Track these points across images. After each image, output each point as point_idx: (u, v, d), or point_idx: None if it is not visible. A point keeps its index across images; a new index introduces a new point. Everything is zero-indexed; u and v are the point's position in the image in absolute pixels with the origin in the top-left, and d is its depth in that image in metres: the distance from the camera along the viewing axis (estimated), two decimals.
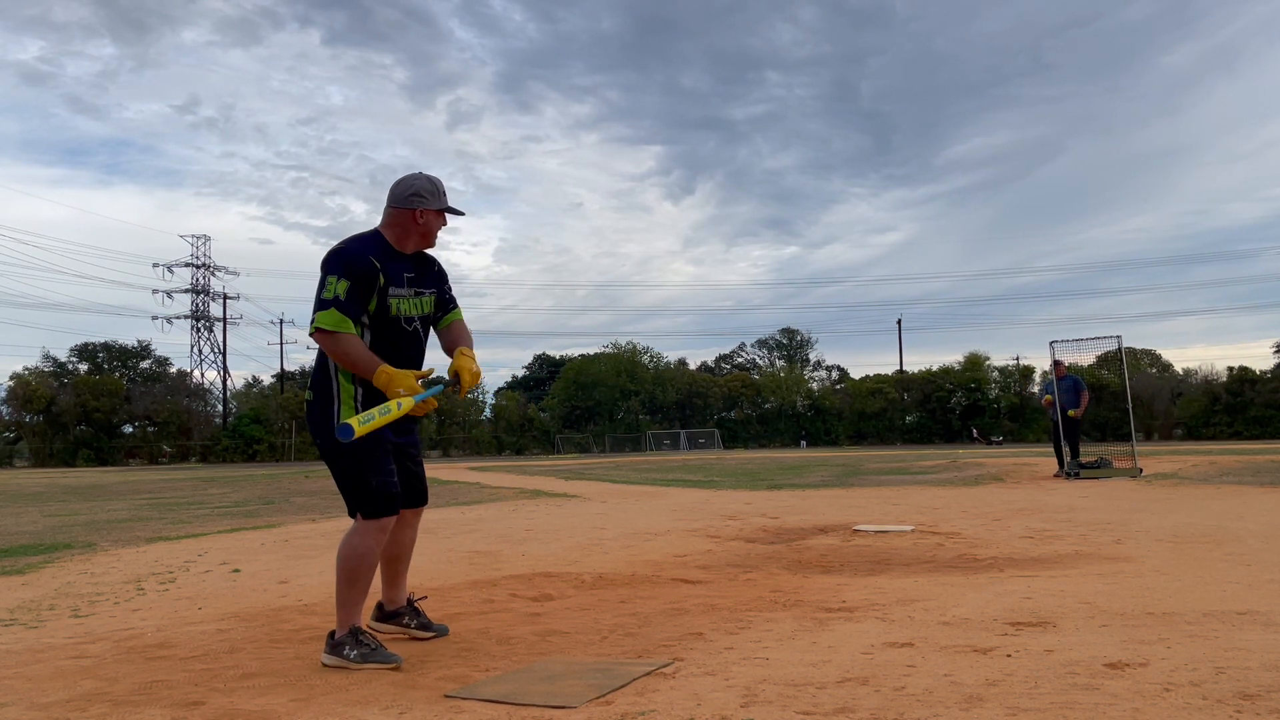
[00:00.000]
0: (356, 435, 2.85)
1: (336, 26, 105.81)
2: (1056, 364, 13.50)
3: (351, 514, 3.18)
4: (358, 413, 3.10)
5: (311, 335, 3.06)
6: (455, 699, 2.60)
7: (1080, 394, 13.25)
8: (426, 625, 3.47)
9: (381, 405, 2.95)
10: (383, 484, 3.12)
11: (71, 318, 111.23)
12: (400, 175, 3.28)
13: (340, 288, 3.04)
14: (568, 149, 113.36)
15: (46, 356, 56.26)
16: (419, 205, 3.18)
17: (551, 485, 14.43)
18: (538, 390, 69.52)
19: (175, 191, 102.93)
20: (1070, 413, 13.15)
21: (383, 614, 3.48)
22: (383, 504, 3.12)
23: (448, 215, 3.32)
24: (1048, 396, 13.56)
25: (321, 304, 3.04)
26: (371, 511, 3.12)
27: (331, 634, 3.10)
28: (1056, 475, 12.94)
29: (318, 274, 3.10)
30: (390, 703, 2.58)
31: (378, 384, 3.02)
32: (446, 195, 3.28)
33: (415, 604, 3.50)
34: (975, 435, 55.43)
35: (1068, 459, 12.92)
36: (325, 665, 3.01)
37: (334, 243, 3.24)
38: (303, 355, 63.71)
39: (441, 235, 3.32)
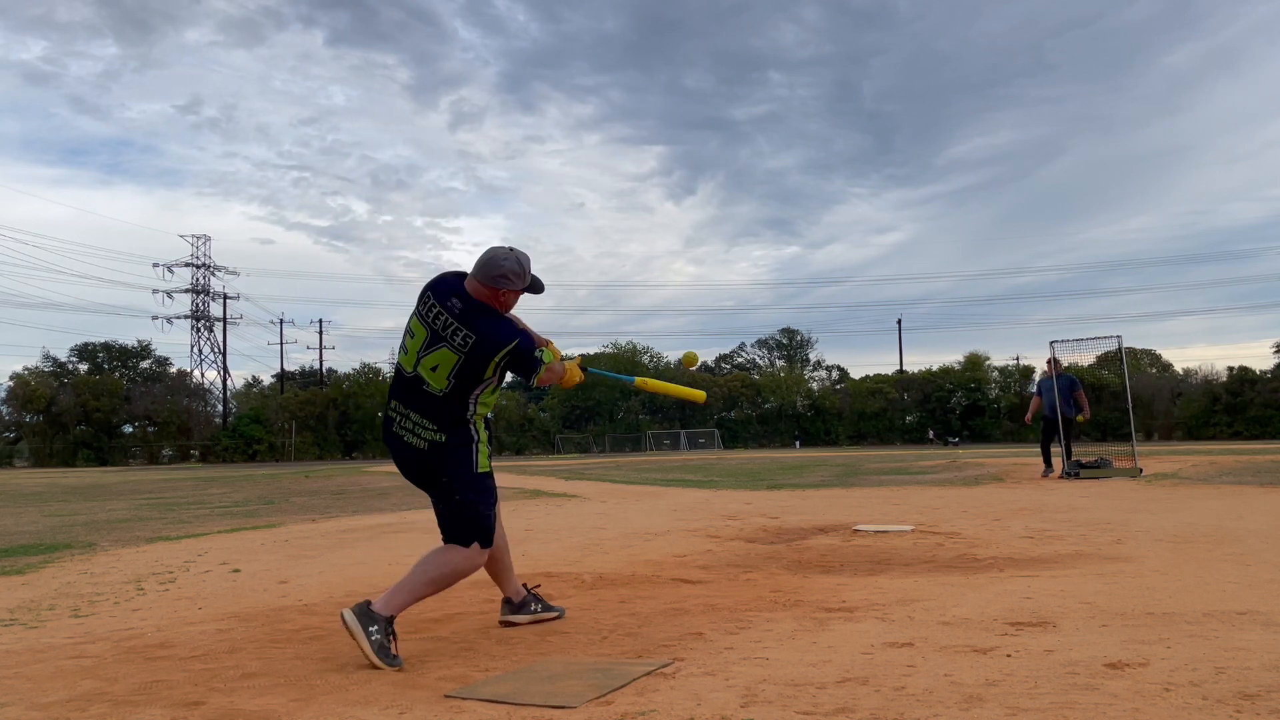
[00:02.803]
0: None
1: (340, 27, 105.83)
2: (1055, 361, 13.46)
3: (452, 541, 3.31)
4: (490, 455, 3.45)
5: (537, 385, 3.48)
6: (455, 699, 2.60)
7: (1076, 393, 13.23)
8: (549, 607, 3.77)
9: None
10: (493, 517, 3.39)
11: (71, 318, 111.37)
12: (492, 245, 3.51)
13: (545, 354, 3.40)
14: (570, 149, 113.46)
15: (46, 356, 56.38)
16: (505, 287, 3.37)
17: (551, 485, 14.42)
18: (537, 390, 69.44)
19: (176, 191, 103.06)
20: (1079, 418, 13.21)
21: (513, 607, 3.69)
22: (491, 535, 3.39)
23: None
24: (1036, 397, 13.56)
25: (536, 362, 3.35)
26: (487, 541, 3.35)
27: (369, 603, 3.10)
28: (1045, 475, 12.93)
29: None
30: (390, 703, 2.58)
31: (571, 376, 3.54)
32: (530, 271, 3.43)
33: (533, 591, 3.77)
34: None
35: (1067, 460, 12.89)
36: (344, 621, 3.03)
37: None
38: (302, 355, 64.06)
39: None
